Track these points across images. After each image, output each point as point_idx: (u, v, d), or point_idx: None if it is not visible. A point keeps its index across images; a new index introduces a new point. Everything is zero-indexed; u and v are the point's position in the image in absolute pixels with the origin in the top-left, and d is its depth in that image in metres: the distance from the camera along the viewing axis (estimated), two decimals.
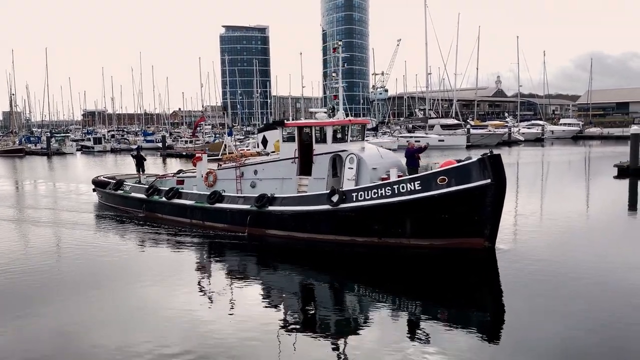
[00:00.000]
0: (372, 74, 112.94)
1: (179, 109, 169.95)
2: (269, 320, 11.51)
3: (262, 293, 13.95)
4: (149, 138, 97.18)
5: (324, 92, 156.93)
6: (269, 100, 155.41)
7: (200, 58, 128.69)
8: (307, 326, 11.41)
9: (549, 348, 9.58)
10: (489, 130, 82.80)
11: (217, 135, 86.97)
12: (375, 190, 16.86)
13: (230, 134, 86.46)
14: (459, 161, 16.50)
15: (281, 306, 12.89)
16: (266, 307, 12.80)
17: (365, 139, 21.60)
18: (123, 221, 23.32)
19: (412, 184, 16.32)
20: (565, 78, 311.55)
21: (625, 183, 33.71)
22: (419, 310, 12.29)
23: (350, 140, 19.84)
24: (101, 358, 9.64)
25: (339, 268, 16.06)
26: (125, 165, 58.98)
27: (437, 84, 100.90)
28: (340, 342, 10.48)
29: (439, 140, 72.94)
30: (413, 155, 19.20)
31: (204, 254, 18.31)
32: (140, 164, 28.98)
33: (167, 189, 23.54)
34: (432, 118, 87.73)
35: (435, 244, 16.42)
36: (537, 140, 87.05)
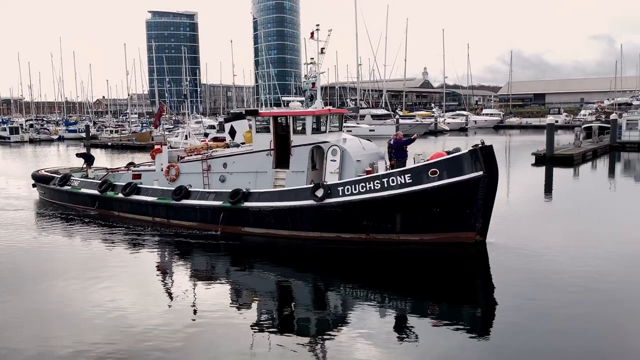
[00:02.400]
0: (304, 64, 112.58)
1: (103, 97, 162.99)
2: (235, 322, 10.80)
3: (231, 293, 13.06)
4: (71, 128, 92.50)
5: (256, 81, 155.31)
6: (198, 89, 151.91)
7: (125, 44, 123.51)
8: (282, 327, 10.74)
9: (539, 343, 9.40)
10: (417, 120, 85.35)
11: (144, 125, 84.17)
12: (363, 184, 16.03)
13: (158, 124, 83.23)
14: (448, 153, 16.06)
15: (252, 307, 12.09)
16: (233, 307, 11.89)
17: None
18: (72, 219, 21.36)
19: (402, 177, 15.62)
20: (487, 70, 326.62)
21: (542, 170, 35.88)
22: (408, 307, 11.84)
23: (329, 131, 18.88)
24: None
25: (323, 267, 15.26)
26: (47, 157, 55.97)
27: (368, 75, 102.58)
28: (320, 343, 9.88)
29: (370, 130, 74.28)
30: (402, 147, 18.00)
31: (166, 254, 17.03)
32: (87, 159, 27.22)
33: (123, 184, 21.71)
34: (363, 108, 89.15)
35: (426, 238, 15.91)
36: (462, 130, 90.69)
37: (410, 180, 15.50)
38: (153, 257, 16.57)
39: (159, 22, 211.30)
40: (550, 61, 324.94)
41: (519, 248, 15.63)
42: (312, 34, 19.79)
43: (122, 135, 73.21)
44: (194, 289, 13.32)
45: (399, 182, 15.60)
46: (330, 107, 20.07)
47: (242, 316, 11.32)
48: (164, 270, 15.28)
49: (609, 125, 51.67)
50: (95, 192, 22.42)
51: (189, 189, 19.51)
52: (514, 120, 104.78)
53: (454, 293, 12.76)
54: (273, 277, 14.47)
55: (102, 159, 52.22)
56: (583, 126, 61.64)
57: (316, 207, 16.56)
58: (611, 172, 37.56)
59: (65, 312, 11.46)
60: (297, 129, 18.48)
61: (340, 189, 16.36)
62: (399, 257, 15.53)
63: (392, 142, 18.18)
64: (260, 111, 19.77)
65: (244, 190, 18.09)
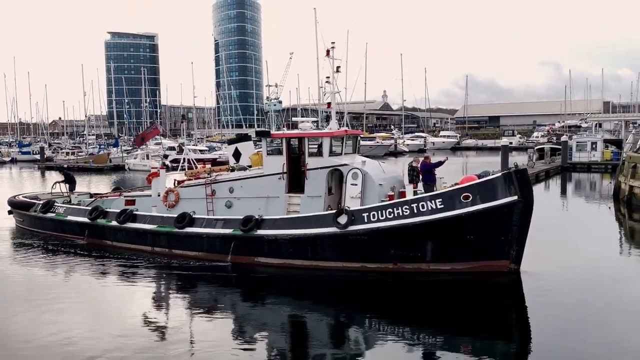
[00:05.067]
0: (266, 86, 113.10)
1: (59, 118, 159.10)
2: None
3: (238, 329, 11.96)
4: (24, 149, 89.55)
5: (217, 102, 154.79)
6: (158, 110, 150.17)
7: (82, 65, 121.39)
8: None
9: None
10: (377, 142, 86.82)
11: (102, 147, 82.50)
12: (391, 210, 15.03)
13: (116, 145, 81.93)
14: (479, 176, 15.38)
15: (262, 344, 11.08)
16: (239, 346, 10.89)
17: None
18: (57, 250, 19.39)
19: (432, 202, 14.68)
20: (443, 94, 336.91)
21: None
22: (439, 343, 11.05)
23: (345, 153, 17.89)
24: None
25: (346, 300, 14.13)
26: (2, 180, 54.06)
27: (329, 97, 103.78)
28: None
29: None
30: (430, 170, 17.23)
31: (167, 286, 15.65)
32: (70, 181, 25.55)
33: (117, 211, 19.93)
34: None
35: (458, 268, 14.94)
36: (420, 151, 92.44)
37: (442, 206, 14.59)
38: (151, 290, 15.27)
39: (118, 43, 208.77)
40: (503, 85, 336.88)
41: (554, 276, 15.12)
42: (327, 52, 18.79)
43: (78, 157, 71.49)
44: (193, 323, 12.33)
45: (430, 208, 14.68)
46: (347, 129, 19.28)
47: (250, 356, 10.39)
48: (162, 303, 14.10)
49: (560, 147, 53.76)
50: (85, 219, 20.52)
51: (194, 216, 18.07)
52: (470, 142, 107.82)
53: (488, 327, 12.00)
54: (288, 311, 13.27)
55: (57, 180, 50.78)
56: (536, 147, 63.86)
57: (340, 235, 15.41)
58: (563, 192, 39.01)
59: (33, 348, 10.74)
60: (311, 151, 17.58)
61: (365, 215, 15.30)
62: (429, 288, 14.58)
63: (414, 165, 17.84)
64: (272, 132, 18.76)
65: (257, 217, 16.83)
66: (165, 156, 67.56)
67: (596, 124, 67.73)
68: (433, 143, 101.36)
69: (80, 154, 74.87)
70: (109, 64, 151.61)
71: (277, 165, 17.76)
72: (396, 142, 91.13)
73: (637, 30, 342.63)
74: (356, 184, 16.38)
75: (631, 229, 24.51)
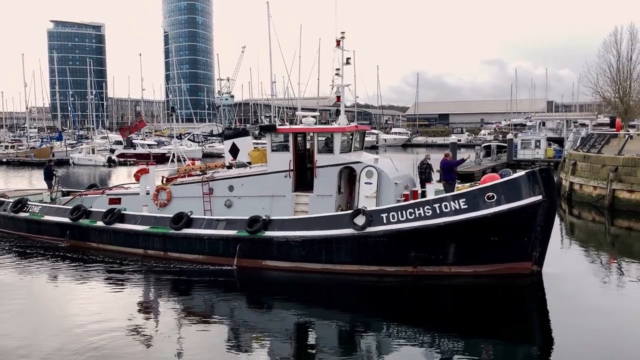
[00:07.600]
0: (218, 79, 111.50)
1: None
2: None
3: (245, 338, 11.43)
4: None
5: (167, 96, 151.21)
6: (105, 102, 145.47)
7: (23, 54, 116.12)
8: None
9: None
10: None
11: (45, 140, 79.13)
12: (412, 210, 14.42)
13: (60, 138, 78.90)
14: (501, 175, 15.13)
15: (271, 355, 10.49)
16: (247, 358, 10.26)
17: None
18: (33, 253, 17.86)
19: (456, 202, 14.17)
20: (392, 91, 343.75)
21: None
22: (460, 346, 10.74)
23: (354, 150, 17.28)
24: None
25: (362, 305, 13.62)
26: None
27: (282, 92, 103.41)
28: None
29: None
30: (451, 168, 16.68)
31: (163, 292, 14.61)
32: (50, 178, 23.79)
33: (103, 210, 18.48)
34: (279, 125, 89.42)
35: (480, 270, 14.53)
36: (372, 148, 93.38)
37: (466, 206, 14.12)
38: (144, 296, 14.36)
39: (62, 33, 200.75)
40: (450, 83, 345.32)
41: (577, 278, 15.07)
42: (337, 42, 17.82)
43: (19, 151, 68.32)
44: (196, 332, 11.61)
45: (454, 208, 14.17)
46: (357, 124, 18.27)
47: None
48: (158, 311, 13.21)
49: (506, 145, 55.46)
50: (66, 219, 18.96)
51: (191, 216, 16.90)
52: (420, 139, 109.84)
53: (510, 331, 11.78)
54: (300, 318, 12.71)
55: None
56: (483, 145, 65.63)
57: (357, 237, 14.72)
58: None
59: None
60: (324, 147, 16.85)
61: (384, 215, 14.65)
62: (450, 291, 14.35)
63: (429, 162, 17.45)
64: (278, 127, 17.90)
65: (265, 217, 15.91)
66: (112, 151, 65.59)
67: (540, 122, 70.22)
68: (385, 140, 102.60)
69: (20, 147, 71.61)
70: (52, 54, 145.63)
71: (282, 162, 16.95)
72: None
73: (576, 31, 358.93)
74: (371, 183, 15.77)
75: (571, 224, 25.56)
